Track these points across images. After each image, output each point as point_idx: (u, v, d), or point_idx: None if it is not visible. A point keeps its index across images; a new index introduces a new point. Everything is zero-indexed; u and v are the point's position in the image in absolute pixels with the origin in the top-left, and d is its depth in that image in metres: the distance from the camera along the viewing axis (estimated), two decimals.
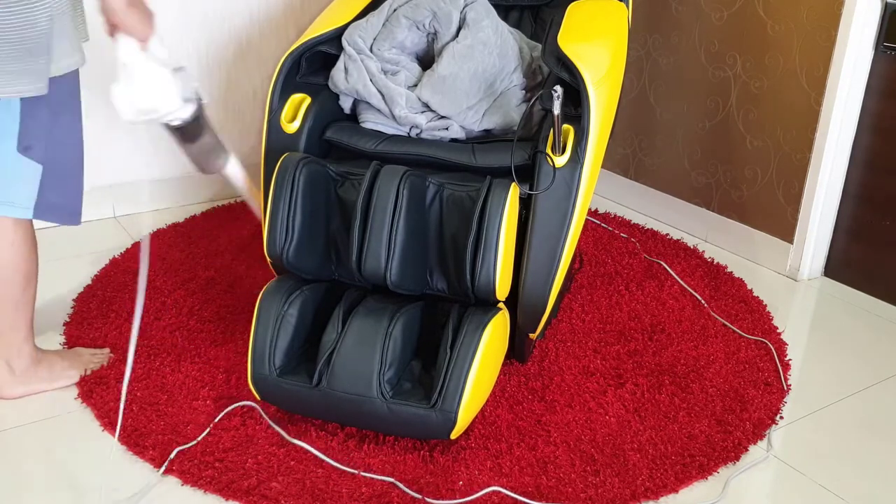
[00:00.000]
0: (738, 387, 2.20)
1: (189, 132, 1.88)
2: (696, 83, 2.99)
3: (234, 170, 2.07)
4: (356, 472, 1.84)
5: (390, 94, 2.18)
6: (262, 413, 1.99)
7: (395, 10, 2.27)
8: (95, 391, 2.07)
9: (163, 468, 1.84)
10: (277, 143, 2.16)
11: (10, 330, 1.98)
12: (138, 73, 1.72)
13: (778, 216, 2.84)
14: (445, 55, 2.17)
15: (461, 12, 2.24)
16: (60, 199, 1.96)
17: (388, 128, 2.22)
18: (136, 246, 2.79)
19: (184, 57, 3.01)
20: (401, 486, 1.80)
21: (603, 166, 2.93)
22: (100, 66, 1.98)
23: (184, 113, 1.82)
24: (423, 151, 2.12)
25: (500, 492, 1.81)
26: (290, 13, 3.18)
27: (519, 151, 2.04)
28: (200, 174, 2.07)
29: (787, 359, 2.35)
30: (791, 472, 1.95)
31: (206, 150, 1.96)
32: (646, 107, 3.18)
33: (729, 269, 2.82)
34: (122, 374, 2.13)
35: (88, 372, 2.12)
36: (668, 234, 3.05)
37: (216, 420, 1.97)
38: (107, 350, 2.21)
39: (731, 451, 1.97)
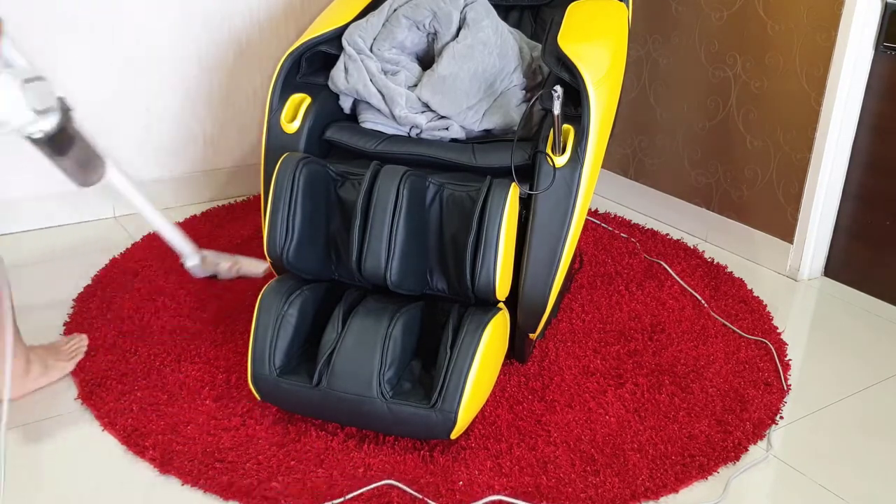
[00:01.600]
0: (738, 387, 2.20)
1: (57, 144, 1.78)
2: (696, 83, 3.00)
3: (118, 180, 1.99)
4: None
5: (390, 94, 2.18)
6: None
7: (395, 10, 2.27)
8: (95, 392, 2.07)
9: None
10: (277, 143, 2.16)
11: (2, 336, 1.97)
12: None
13: (778, 216, 2.84)
14: (445, 55, 2.17)
15: (461, 12, 2.24)
16: None
17: (388, 128, 2.22)
18: (136, 246, 2.79)
19: (184, 56, 3.02)
20: (399, 485, 1.80)
21: (603, 166, 2.94)
22: None
23: (44, 124, 1.73)
24: (423, 151, 2.12)
25: (501, 500, 1.81)
26: (290, 13, 3.18)
27: (519, 151, 2.04)
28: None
29: (787, 359, 2.35)
30: (791, 472, 1.95)
31: (81, 161, 1.86)
32: (646, 107, 3.18)
33: (729, 269, 2.82)
34: (123, 374, 2.13)
35: (76, 362, 2.13)
36: (668, 234, 3.05)
37: None
38: (76, 335, 2.23)
39: (731, 451, 1.97)
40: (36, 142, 1.78)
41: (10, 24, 1.91)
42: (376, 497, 1.79)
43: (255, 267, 2.55)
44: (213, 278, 2.55)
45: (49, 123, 1.74)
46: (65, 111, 1.79)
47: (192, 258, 2.48)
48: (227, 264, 2.53)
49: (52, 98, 1.73)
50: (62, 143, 1.79)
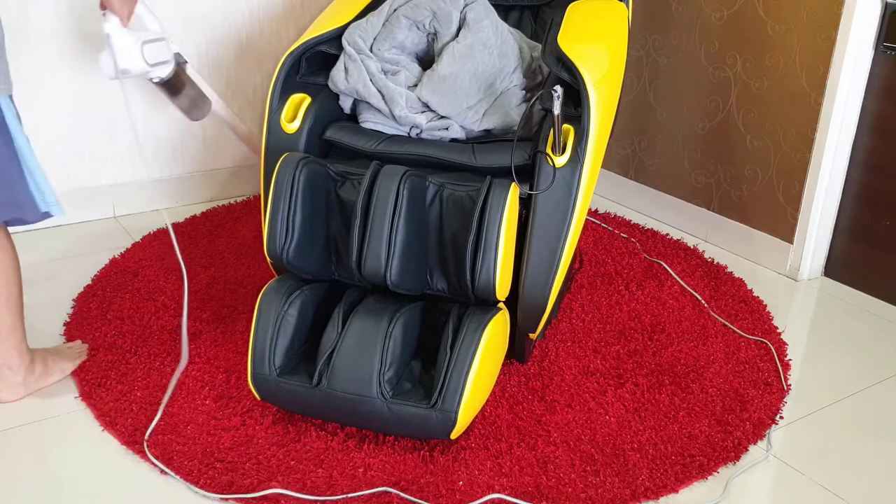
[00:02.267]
0: (738, 387, 2.20)
1: (172, 87, 2.33)
2: (696, 83, 2.99)
3: (222, 112, 2.58)
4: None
5: (390, 94, 2.18)
6: None
7: (395, 10, 2.27)
8: (95, 392, 2.07)
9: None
10: (277, 143, 2.16)
11: (10, 333, 1.99)
12: (114, 42, 2.14)
13: (778, 216, 2.84)
14: (445, 55, 2.17)
15: (461, 12, 2.24)
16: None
17: (388, 128, 2.22)
18: (136, 246, 2.79)
19: (184, 56, 3.02)
20: (393, 491, 1.80)
21: (603, 166, 2.94)
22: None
23: (161, 72, 2.26)
24: (423, 151, 2.12)
25: (501, 500, 1.81)
26: (290, 13, 3.18)
27: (519, 151, 2.04)
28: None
29: (787, 359, 2.35)
30: (791, 472, 1.95)
31: (191, 101, 2.41)
32: (646, 107, 3.18)
33: (729, 269, 2.82)
34: (123, 374, 2.14)
35: (78, 363, 2.14)
36: (668, 234, 3.05)
37: None
38: (79, 342, 2.24)
39: (731, 451, 1.97)
40: (155, 84, 2.31)
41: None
42: (376, 497, 1.79)
43: None
44: None
45: (164, 72, 2.27)
46: (179, 63, 2.33)
47: None
48: None
49: (167, 54, 2.26)
50: (175, 86, 2.34)
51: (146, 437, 1.92)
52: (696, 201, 3.08)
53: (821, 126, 2.66)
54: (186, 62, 2.36)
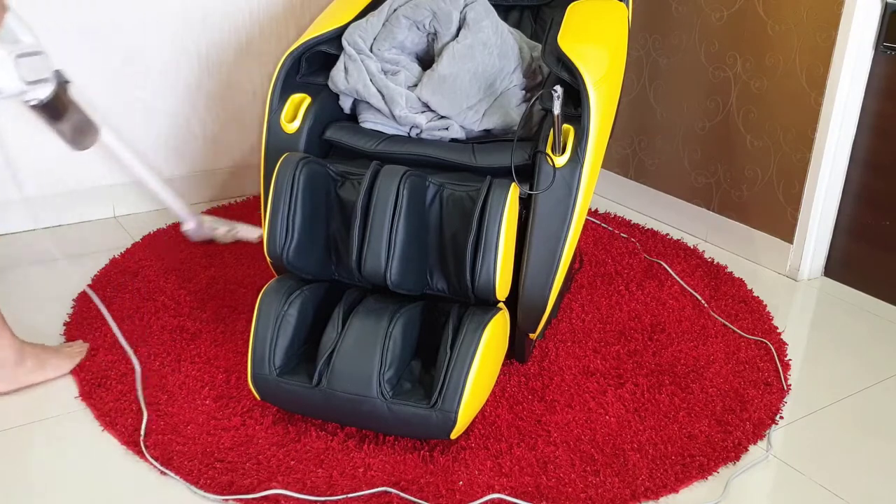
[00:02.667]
0: (738, 387, 2.20)
1: (53, 110, 2.06)
2: (696, 83, 3.00)
3: (114, 144, 2.30)
4: None
5: (390, 94, 2.18)
6: None
7: (395, 10, 2.27)
8: (95, 392, 2.07)
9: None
10: (277, 143, 2.16)
11: None
12: None
13: (778, 216, 2.84)
14: (445, 55, 2.17)
15: (461, 12, 2.24)
16: None
17: (388, 128, 2.22)
18: (136, 246, 2.79)
19: (184, 56, 3.02)
20: (393, 491, 1.80)
21: (603, 166, 2.94)
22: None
23: (39, 93, 1.98)
24: (423, 151, 2.12)
25: (501, 500, 1.81)
26: (290, 13, 3.18)
27: (519, 151, 2.04)
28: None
29: (787, 359, 2.35)
30: (791, 472, 1.95)
31: (75, 128, 2.15)
32: (646, 107, 3.18)
33: (729, 269, 2.82)
34: (123, 374, 2.14)
35: (77, 363, 2.14)
36: (668, 234, 3.05)
37: None
38: (79, 341, 2.23)
39: (731, 451, 1.97)
40: (33, 108, 2.03)
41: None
42: (376, 497, 1.79)
43: (251, 232, 2.69)
44: (209, 242, 2.67)
45: (43, 92, 1.98)
46: (60, 83, 2.04)
47: (190, 222, 2.61)
48: (224, 229, 2.66)
49: (46, 71, 1.96)
50: (57, 110, 2.05)
51: (141, 438, 1.92)
52: (696, 201, 3.08)
53: (821, 126, 2.66)
54: (69, 82, 2.09)
